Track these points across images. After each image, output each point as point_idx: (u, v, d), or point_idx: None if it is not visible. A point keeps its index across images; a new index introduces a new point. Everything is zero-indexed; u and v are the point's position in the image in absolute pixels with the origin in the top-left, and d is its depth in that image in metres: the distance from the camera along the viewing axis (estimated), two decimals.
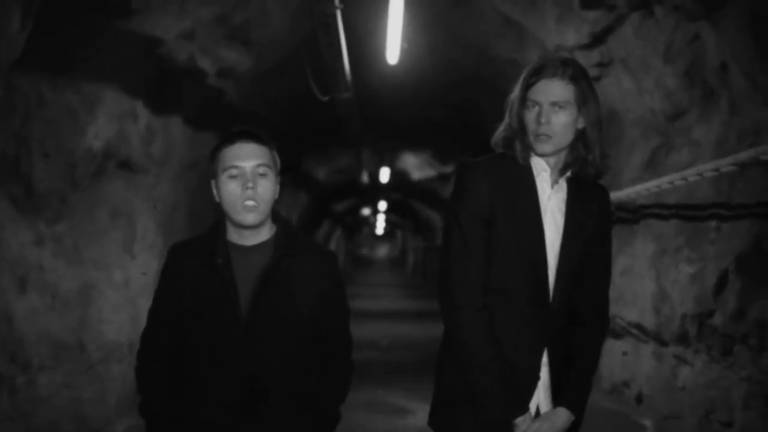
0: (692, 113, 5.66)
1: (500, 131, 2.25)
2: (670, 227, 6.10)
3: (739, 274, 4.98)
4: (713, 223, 5.39)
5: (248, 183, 2.08)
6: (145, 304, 6.11)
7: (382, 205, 28.25)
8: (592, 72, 6.54)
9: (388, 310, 17.09)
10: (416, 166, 16.52)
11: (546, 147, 2.16)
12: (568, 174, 2.23)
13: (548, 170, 2.22)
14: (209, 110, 7.16)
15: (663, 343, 6.09)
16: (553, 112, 2.13)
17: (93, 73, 5.25)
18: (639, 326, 6.57)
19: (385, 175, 17.92)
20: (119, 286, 6.06)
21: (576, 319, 2.30)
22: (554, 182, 2.23)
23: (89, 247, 5.63)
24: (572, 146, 2.20)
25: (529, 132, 2.17)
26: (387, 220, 35.94)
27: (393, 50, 7.11)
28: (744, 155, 4.55)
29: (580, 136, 2.19)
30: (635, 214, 6.78)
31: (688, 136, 5.80)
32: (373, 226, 39.76)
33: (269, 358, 2.10)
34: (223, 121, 7.39)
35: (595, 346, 2.31)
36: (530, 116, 2.16)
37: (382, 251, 46.18)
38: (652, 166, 6.36)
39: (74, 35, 4.82)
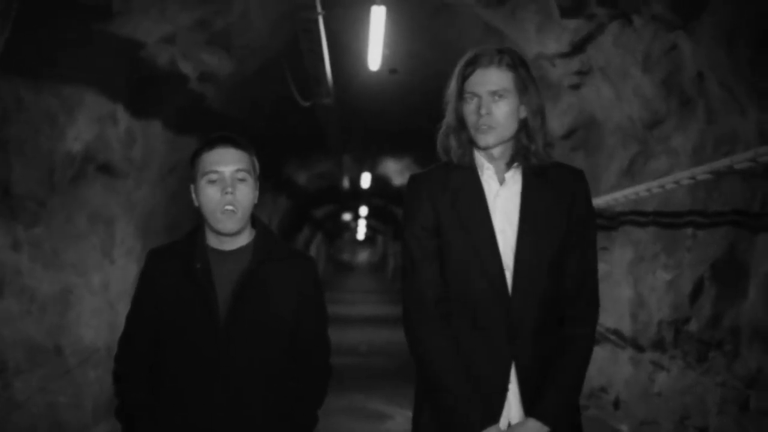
0: (670, 121, 5.73)
1: (441, 132, 2.15)
2: (647, 234, 6.17)
3: (714, 281, 5.05)
4: (689, 231, 5.46)
5: (227, 188, 2.09)
6: (123, 308, 6.08)
7: (363, 211, 28.27)
8: (572, 80, 6.61)
9: (369, 315, 17.10)
10: (397, 171, 16.55)
11: (489, 138, 2.05)
12: (516, 165, 2.11)
13: (492, 167, 2.11)
14: (190, 114, 7.15)
15: (640, 349, 6.14)
16: (493, 101, 2.04)
17: (73, 77, 5.23)
18: (617, 332, 6.63)
19: (366, 180, 17.95)
20: (98, 291, 6.02)
21: (563, 317, 2.12)
22: (502, 177, 2.11)
23: (67, 252, 5.59)
24: (516, 137, 2.09)
25: (469, 126, 2.07)
26: (368, 226, 35.95)
27: (374, 57, 7.14)
28: (719, 164, 4.62)
29: (523, 126, 2.09)
30: (613, 221, 6.85)
31: (666, 144, 5.87)
32: (354, 231, 39.76)
33: (247, 362, 2.11)
34: (203, 126, 7.37)
35: (580, 342, 2.10)
36: (469, 109, 2.06)
37: (363, 256, 46.17)
38: (631, 174, 6.43)
39: (54, 38, 4.80)
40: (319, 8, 6.31)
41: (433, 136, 2.19)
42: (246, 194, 2.12)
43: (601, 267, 7.05)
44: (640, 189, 5.75)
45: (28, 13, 4.32)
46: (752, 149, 4.34)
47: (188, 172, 2.18)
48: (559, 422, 2.05)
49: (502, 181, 2.11)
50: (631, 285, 6.40)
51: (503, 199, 2.10)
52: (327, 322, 2.27)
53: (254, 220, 2.22)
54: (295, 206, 16.77)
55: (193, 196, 2.16)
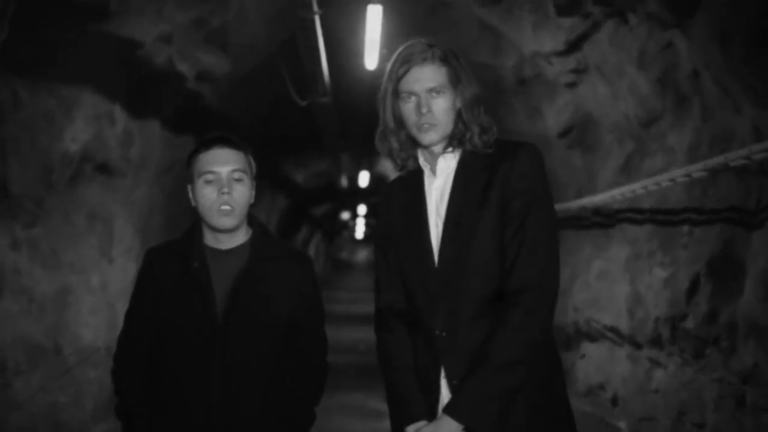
0: (666, 119, 5.75)
1: (378, 134, 2.10)
2: (644, 232, 6.19)
3: (710, 277, 5.07)
4: (686, 228, 5.48)
5: (224, 188, 2.11)
6: (122, 307, 6.08)
7: (362, 209, 28.27)
8: (569, 78, 6.63)
9: (368, 313, 17.07)
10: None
11: (432, 135, 2.01)
12: (449, 152, 2.05)
13: (428, 165, 2.07)
14: (187, 113, 7.16)
15: (637, 345, 6.17)
16: (432, 98, 1.99)
17: (70, 76, 5.23)
18: (614, 329, 6.65)
19: (364, 179, 17.96)
20: (96, 290, 6.03)
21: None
22: (434, 168, 2.06)
23: (66, 251, 5.61)
24: (454, 129, 2.05)
25: (409, 125, 2.03)
26: (367, 224, 35.96)
27: (371, 56, 7.15)
28: (714, 161, 4.64)
29: (459, 116, 2.04)
30: (610, 218, 6.86)
31: (662, 142, 5.89)
32: (352, 230, 39.76)
33: (244, 360, 2.12)
34: (201, 125, 7.38)
35: (507, 324, 1.90)
36: (408, 108, 2.01)
37: (362, 255, 46.20)
38: (627, 171, 6.45)
39: (51, 38, 4.81)
40: (315, 7, 6.32)
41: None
42: (242, 194, 2.14)
43: (599, 264, 7.11)
44: (636, 187, 5.77)
45: (25, 12, 4.33)
46: (747, 146, 4.36)
47: (186, 172, 2.20)
48: (478, 417, 1.88)
49: (435, 173, 2.07)
50: (628, 282, 6.42)
51: (437, 191, 2.05)
52: (324, 320, 2.29)
53: (251, 219, 2.24)
54: (294, 205, 16.77)
55: (191, 195, 2.17)
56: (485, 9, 6.46)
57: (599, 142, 6.95)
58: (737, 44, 4.37)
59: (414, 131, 2.03)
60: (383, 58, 7.13)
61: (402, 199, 2.11)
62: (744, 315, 4.59)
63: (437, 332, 1.98)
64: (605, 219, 7.00)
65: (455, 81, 2.02)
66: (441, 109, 2.00)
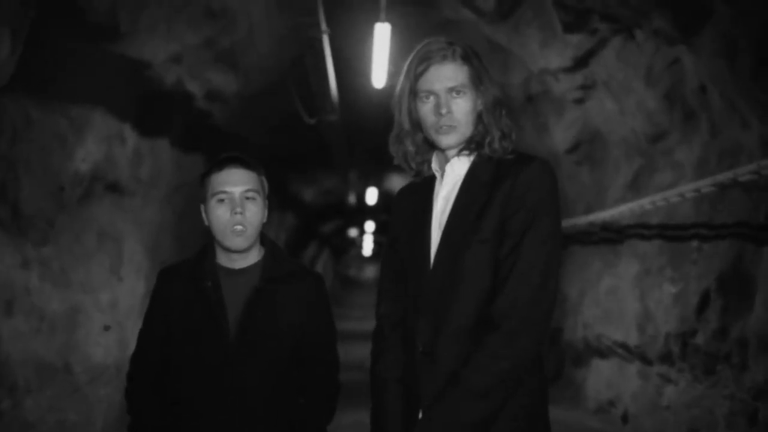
0: (673, 135, 5.76)
1: (393, 136, 1.98)
2: (653, 247, 6.18)
3: (720, 293, 5.05)
4: (695, 243, 5.47)
5: (237, 208, 2.12)
6: (132, 326, 6.11)
7: (370, 226, 28.27)
8: (576, 94, 6.65)
9: None
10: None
11: (451, 139, 1.89)
12: (457, 157, 1.93)
13: (440, 170, 1.96)
14: (196, 133, 7.20)
15: (648, 362, 6.14)
16: (452, 99, 1.87)
17: (81, 96, 5.28)
18: (624, 345, 6.62)
19: (372, 196, 17.98)
20: (106, 309, 6.05)
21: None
22: (443, 173, 1.94)
23: (76, 270, 5.63)
24: (471, 128, 1.92)
25: (427, 127, 1.90)
26: (374, 241, 35.95)
27: (379, 74, 7.19)
28: (723, 176, 4.64)
29: (479, 119, 1.91)
30: (619, 234, 6.86)
31: (670, 157, 5.89)
32: (360, 247, 39.76)
33: (256, 379, 2.12)
34: (210, 144, 7.42)
35: (484, 349, 1.75)
36: (426, 109, 1.89)
37: (370, 272, 46.14)
38: (636, 187, 6.45)
39: (63, 59, 4.86)
40: (323, 26, 6.37)
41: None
42: (255, 213, 2.15)
43: (608, 281, 7.09)
44: (644, 202, 5.77)
45: (38, 34, 4.38)
46: (755, 162, 4.36)
47: (195, 190, 2.21)
48: None
49: (442, 179, 1.96)
50: (637, 298, 6.40)
51: (443, 199, 1.94)
52: (336, 339, 2.29)
53: (263, 239, 2.25)
54: (302, 222, 16.80)
55: (203, 215, 2.19)
56: (493, 26, 6.50)
57: (607, 157, 6.96)
58: (744, 60, 4.39)
59: (432, 133, 1.90)
60: (391, 77, 7.18)
61: (411, 205, 2.00)
62: (755, 331, 4.57)
63: (420, 348, 1.86)
64: (614, 235, 6.99)
65: (476, 81, 1.89)
66: (461, 111, 1.88)
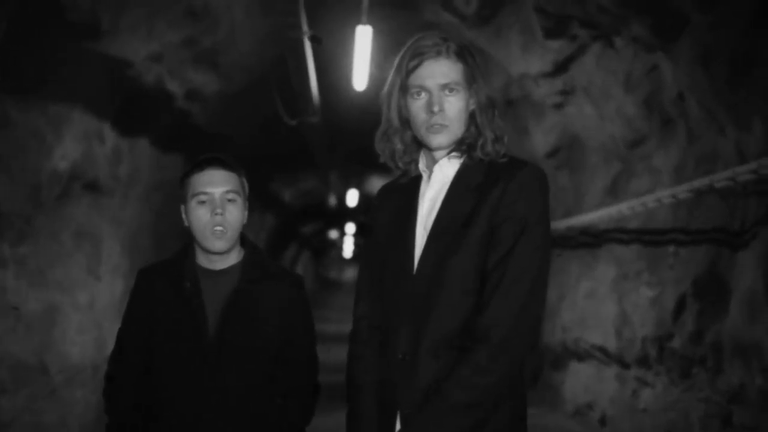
0: (651, 141, 5.82)
1: (380, 133, 1.90)
2: (630, 252, 6.24)
3: (696, 297, 5.11)
4: (672, 248, 5.53)
5: (217, 209, 2.12)
6: (110, 326, 6.06)
7: (350, 228, 28.27)
8: (556, 99, 6.70)
9: None
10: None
11: (442, 139, 1.81)
12: (447, 159, 1.85)
13: (427, 170, 1.89)
14: (176, 132, 7.17)
15: (625, 365, 6.19)
16: (445, 96, 1.79)
17: (60, 95, 5.24)
18: (602, 349, 6.68)
19: (352, 198, 17.98)
20: (84, 309, 6.00)
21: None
22: (429, 175, 1.87)
23: (53, 269, 5.58)
24: (463, 128, 1.85)
25: (418, 125, 1.82)
26: (355, 243, 35.95)
27: (360, 77, 7.20)
28: (699, 183, 4.69)
29: (471, 120, 1.84)
30: (598, 238, 6.91)
31: (648, 163, 5.95)
32: (340, 249, 39.72)
33: (235, 380, 2.13)
34: (190, 143, 7.39)
35: (464, 371, 1.70)
36: (417, 105, 1.81)
37: (350, 274, 46.11)
38: (614, 192, 6.51)
39: (42, 56, 4.82)
40: (305, 28, 6.37)
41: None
42: (235, 215, 2.15)
43: (587, 284, 7.15)
44: (623, 207, 5.83)
45: (16, 31, 4.35)
46: (731, 168, 4.42)
47: (175, 190, 2.20)
48: None
49: (429, 181, 1.89)
50: (615, 302, 6.45)
51: (429, 201, 1.86)
52: (315, 340, 2.30)
53: (243, 240, 2.25)
54: (282, 224, 16.75)
55: (183, 216, 2.18)
56: (474, 31, 6.53)
57: (586, 162, 7.02)
58: (720, 67, 4.45)
59: (422, 132, 1.82)
60: (372, 79, 7.18)
61: (394, 204, 1.92)
62: (730, 335, 4.62)
63: (399, 355, 1.79)
64: (592, 239, 7.05)
65: (470, 80, 1.82)
66: (454, 109, 1.80)
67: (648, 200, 5.40)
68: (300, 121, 8.93)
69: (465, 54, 1.83)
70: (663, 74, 5.26)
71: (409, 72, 1.81)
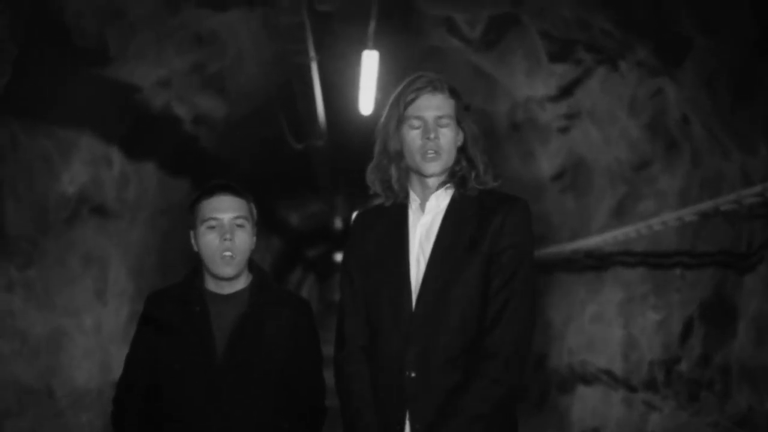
0: (657, 164, 5.83)
1: (374, 165, 2.05)
2: (636, 275, 6.22)
3: (703, 321, 5.09)
4: (678, 271, 5.51)
5: (226, 234, 2.14)
6: (116, 350, 6.07)
7: None
8: (561, 123, 6.73)
9: None
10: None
11: (436, 166, 1.97)
12: (445, 189, 2.02)
13: (418, 199, 2.03)
14: (183, 156, 7.22)
15: (632, 389, 6.15)
16: (440, 127, 1.97)
17: (69, 119, 5.29)
18: (609, 372, 6.64)
19: None
20: (90, 333, 6.01)
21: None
22: (424, 205, 2.02)
23: (60, 293, 5.60)
24: (452, 163, 2.02)
25: (413, 152, 1.98)
26: None
27: (367, 101, 7.25)
28: (705, 206, 4.69)
29: (459, 153, 2.02)
30: (603, 261, 6.90)
31: (654, 186, 5.96)
32: None
33: (242, 404, 2.13)
34: (196, 168, 7.44)
35: (480, 384, 1.86)
36: (413, 135, 1.97)
37: None
38: (620, 215, 6.51)
39: (50, 81, 4.88)
40: (312, 53, 6.42)
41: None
42: (244, 240, 2.17)
43: (592, 308, 7.12)
44: (629, 230, 5.82)
45: (26, 56, 4.40)
46: (736, 191, 4.42)
47: (182, 213, 2.22)
48: None
49: (423, 210, 2.03)
50: (621, 325, 6.43)
51: (423, 228, 2.01)
52: (322, 365, 2.30)
53: (251, 264, 2.26)
54: (287, 247, 16.77)
55: (193, 241, 2.20)
56: (479, 55, 6.58)
57: (592, 185, 7.03)
58: (724, 91, 4.47)
59: (417, 159, 1.98)
60: (378, 103, 7.24)
61: (381, 230, 2.04)
62: (737, 358, 4.60)
63: (407, 373, 1.91)
64: (598, 262, 7.04)
65: (460, 116, 2.01)
66: (447, 139, 1.98)
67: (654, 223, 5.40)
68: (306, 145, 8.98)
69: (455, 92, 2.02)
70: (667, 98, 5.29)
71: (407, 104, 1.99)
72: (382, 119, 2.04)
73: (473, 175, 2.00)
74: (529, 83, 6.52)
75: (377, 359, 1.98)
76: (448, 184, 2.02)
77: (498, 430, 1.92)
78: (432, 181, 2.02)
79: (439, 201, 2.02)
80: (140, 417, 2.19)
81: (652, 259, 5.94)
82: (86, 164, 5.65)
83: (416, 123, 1.98)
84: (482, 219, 1.96)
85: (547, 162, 7.45)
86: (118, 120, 5.91)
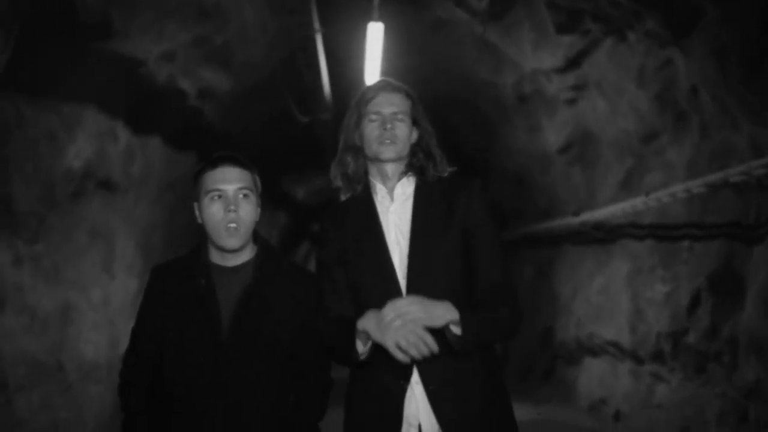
0: (665, 135, 5.79)
1: (335, 162, 2.32)
2: (644, 247, 6.21)
3: (711, 292, 5.08)
4: (686, 243, 5.50)
5: (230, 206, 2.13)
6: (123, 324, 6.11)
7: None
8: (568, 94, 6.67)
9: None
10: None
11: (390, 151, 2.22)
12: (407, 178, 2.28)
13: (384, 188, 2.27)
14: (188, 130, 7.19)
15: (639, 361, 6.17)
16: (396, 121, 2.24)
17: (73, 94, 5.27)
18: (616, 344, 6.66)
19: None
20: (98, 307, 6.04)
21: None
22: (391, 193, 2.27)
23: (68, 267, 5.62)
24: (408, 157, 2.29)
25: (371, 141, 2.24)
26: None
27: (372, 73, 7.20)
28: (714, 177, 4.66)
29: (416, 148, 2.29)
30: (611, 233, 6.89)
31: (661, 158, 5.92)
32: None
33: (248, 375, 2.13)
34: (202, 141, 7.42)
35: (506, 311, 2.17)
36: (372, 126, 2.24)
37: None
38: (627, 187, 6.48)
39: (55, 57, 4.85)
40: (317, 25, 6.37)
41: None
42: (249, 212, 2.16)
43: (600, 280, 7.12)
44: (636, 202, 5.80)
45: (29, 31, 4.38)
46: (746, 163, 4.39)
47: (187, 188, 2.21)
48: (468, 327, 2.06)
49: (392, 198, 2.27)
50: (629, 297, 6.43)
51: (395, 214, 2.24)
52: None
53: (256, 236, 2.26)
54: (294, 222, 16.79)
55: (197, 213, 2.19)
56: (486, 26, 6.51)
57: (599, 158, 6.99)
58: (734, 62, 4.42)
59: (375, 146, 2.23)
60: (384, 75, 7.18)
61: (351, 223, 2.26)
62: (745, 330, 4.60)
63: None
64: (606, 234, 7.02)
65: (415, 116, 2.28)
66: (402, 131, 2.24)
67: (662, 195, 5.37)
68: (311, 118, 8.94)
69: (411, 95, 2.30)
70: (676, 69, 5.23)
71: (367, 102, 2.26)
72: (345, 118, 2.31)
73: (431, 165, 2.27)
74: (536, 55, 6.46)
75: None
76: (410, 173, 2.28)
77: (496, 391, 2.18)
78: (391, 171, 2.26)
79: (405, 188, 2.27)
80: (148, 389, 2.20)
81: (660, 231, 5.92)
82: (91, 139, 5.64)
83: (375, 117, 2.24)
84: (450, 199, 2.22)
85: (554, 134, 7.40)
86: (123, 94, 5.88)
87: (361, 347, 2.10)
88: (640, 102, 5.81)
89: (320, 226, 2.32)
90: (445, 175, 2.29)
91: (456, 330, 2.06)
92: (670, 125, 5.63)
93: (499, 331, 2.17)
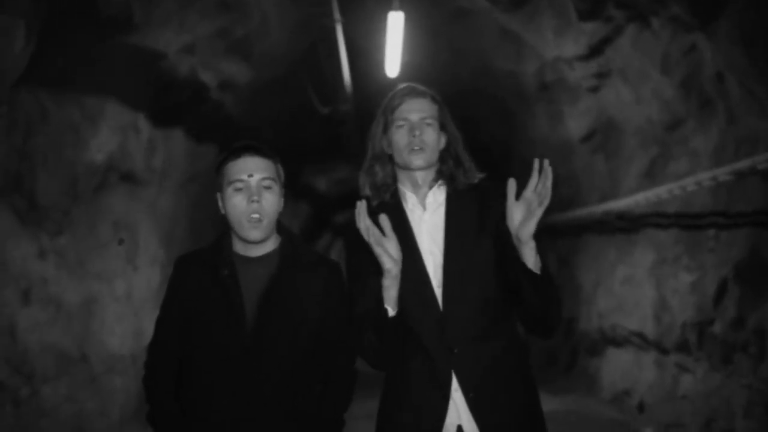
0: (690, 123, 5.71)
1: (364, 168, 2.30)
2: (669, 236, 6.14)
3: (738, 282, 5.02)
4: (712, 232, 5.43)
5: (253, 196, 2.12)
6: (147, 316, 6.15)
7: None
8: (591, 82, 6.60)
9: None
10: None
11: (420, 159, 2.20)
12: (438, 186, 2.25)
13: (414, 196, 2.25)
14: (210, 122, 7.21)
15: (664, 351, 6.11)
16: (424, 126, 2.21)
17: (95, 88, 5.30)
18: (640, 335, 6.60)
19: None
20: (122, 299, 6.09)
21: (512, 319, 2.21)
22: (424, 203, 2.25)
23: (92, 260, 5.66)
24: (438, 164, 2.26)
25: (401, 149, 2.21)
26: None
27: (393, 63, 7.16)
28: (741, 164, 4.59)
29: (445, 154, 2.26)
30: (634, 223, 6.82)
31: (687, 146, 5.84)
32: None
33: (273, 367, 2.13)
34: (223, 133, 7.44)
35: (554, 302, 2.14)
36: (400, 133, 2.21)
37: None
38: (651, 176, 6.41)
39: (77, 51, 4.87)
40: (336, 15, 6.35)
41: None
42: (272, 202, 2.15)
43: (623, 270, 7.06)
44: (661, 191, 5.73)
45: (51, 26, 4.40)
46: None
47: (210, 180, 2.20)
48: (546, 270, 2.08)
49: (425, 207, 2.25)
50: (653, 287, 6.37)
51: (428, 222, 2.23)
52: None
53: (279, 227, 2.25)
54: (315, 213, 16.82)
55: (220, 204, 2.18)
56: (507, 15, 6.45)
57: (622, 146, 6.92)
58: (762, 47, 4.34)
59: (404, 155, 2.21)
60: (405, 66, 7.15)
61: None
62: None
63: (451, 348, 2.12)
64: (629, 224, 6.95)
65: (443, 121, 2.25)
66: (430, 137, 2.21)
67: (687, 183, 5.30)
68: (332, 109, 8.93)
69: (437, 99, 2.27)
70: (702, 54, 5.15)
71: (394, 109, 2.24)
72: (372, 126, 2.29)
73: (461, 172, 2.25)
74: (558, 42, 6.39)
75: (411, 345, 2.15)
76: (440, 181, 2.26)
77: (529, 392, 2.19)
78: (421, 178, 2.24)
79: (437, 197, 2.25)
80: (172, 380, 2.20)
81: (685, 220, 5.85)
82: (114, 132, 5.68)
83: (402, 123, 2.21)
84: (482, 205, 2.21)
85: (576, 123, 7.33)
86: (145, 87, 5.90)
87: (390, 311, 2.09)
88: (665, 89, 5.74)
89: (348, 236, 2.28)
90: (475, 182, 2.27)
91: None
92: (695, 112, 5.56)
93: (558, 304, 2.13)
